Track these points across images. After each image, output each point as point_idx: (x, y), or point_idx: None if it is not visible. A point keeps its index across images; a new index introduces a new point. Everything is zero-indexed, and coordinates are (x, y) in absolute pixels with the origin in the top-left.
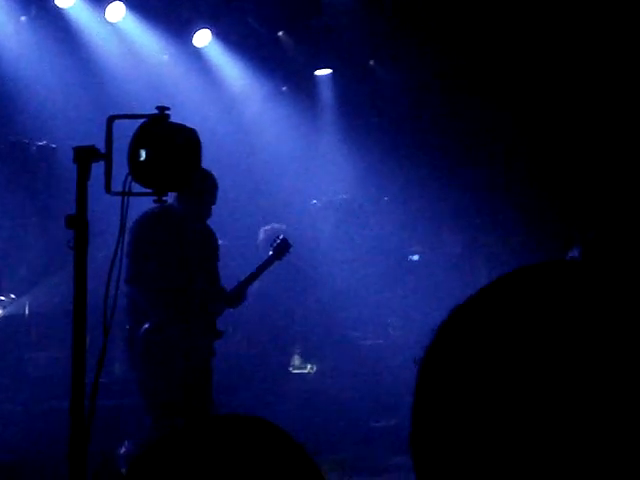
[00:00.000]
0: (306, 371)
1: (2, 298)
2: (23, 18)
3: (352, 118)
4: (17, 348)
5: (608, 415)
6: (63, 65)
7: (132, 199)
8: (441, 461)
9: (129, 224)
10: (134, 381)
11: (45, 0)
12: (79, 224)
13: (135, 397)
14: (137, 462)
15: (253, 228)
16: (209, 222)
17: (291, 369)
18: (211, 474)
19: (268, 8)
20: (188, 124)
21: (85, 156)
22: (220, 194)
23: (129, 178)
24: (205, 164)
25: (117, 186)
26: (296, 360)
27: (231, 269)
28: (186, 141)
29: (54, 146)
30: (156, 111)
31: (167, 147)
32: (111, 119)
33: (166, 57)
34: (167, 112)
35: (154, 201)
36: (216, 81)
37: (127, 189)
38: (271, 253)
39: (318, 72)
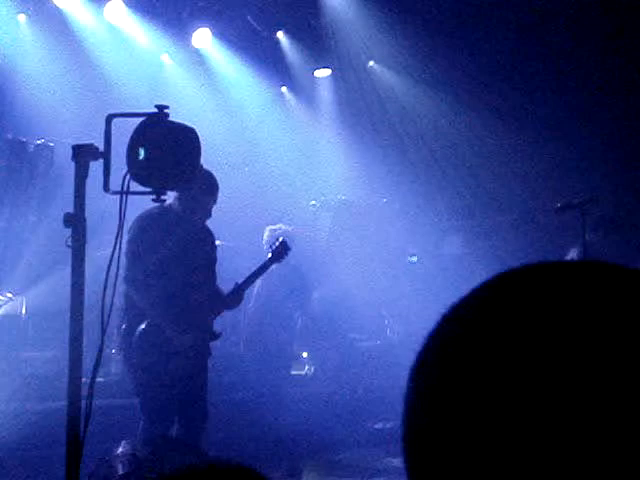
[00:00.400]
0: (303, 373)
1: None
2: (22, 16)
3: (351, 118)
4: (14, 347)
5: (601, 420)
6: (61, 63)
7: (132, 198)
8: (435, 465)
9: (128, 223)
10: (130, 381)
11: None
12: (77, 222)
13: (131, 397)
14: None
15: (251, 228)
16: (209, 222)
17: (289, 370)
18: None
19: (268, 8)
20: (187, 123)
21: (83, 154)
22: (219, 194)
23: (128, 177)
24: (204, 163)
25: (116, 185)
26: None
27: (229, 270)
28: (186, 140)
29: (52, 144)
30: (155, 109)
31: (166, 146)
32: (110, 117)
33: (165, 56)
34: (166, 111)
35: (153, 200)
36: (215, 80)
37: (126, 188)
38: (270, 255)
39: (317, 72)
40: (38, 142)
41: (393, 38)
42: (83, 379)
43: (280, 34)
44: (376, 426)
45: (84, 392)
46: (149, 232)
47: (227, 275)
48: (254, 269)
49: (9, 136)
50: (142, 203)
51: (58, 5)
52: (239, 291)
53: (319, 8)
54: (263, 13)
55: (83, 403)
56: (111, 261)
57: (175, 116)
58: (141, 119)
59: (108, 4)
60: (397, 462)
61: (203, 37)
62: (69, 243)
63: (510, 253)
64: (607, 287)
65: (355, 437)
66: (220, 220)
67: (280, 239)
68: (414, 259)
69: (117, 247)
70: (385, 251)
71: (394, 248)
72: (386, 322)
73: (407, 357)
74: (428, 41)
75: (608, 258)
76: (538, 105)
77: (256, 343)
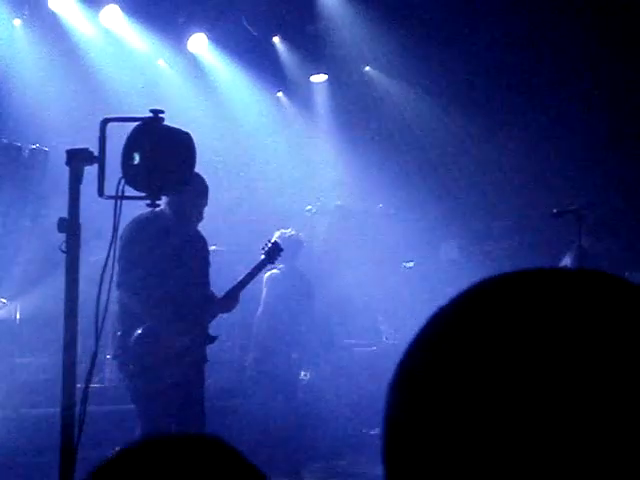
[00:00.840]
0: (300, 377)
1: None
2: (17, 21)
3: (347, 124)
4: (8, 352)
5: (588, 430)
6: (57, 68)
7: (127, 203)
8: (416, 471)
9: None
10: (126, 387)
11: (39, 3)
12: (71, 227)
13: (126, 403)
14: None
15: (247, 233)
16: (202, 225)
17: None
18: None
19: (264, 13)
20: (183, 128)
21: (78, 159)
22: (214, 198)
23: (122, 182)
24: (199, 168)
25: (111, 190)
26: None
27: (223, 274)
28: (181, 145)
29: (46, 149)
30: (150, 114)
31: (161, 150)
32: (104, 122)
33: (161, 61)
34: (161, 115)
35: (147, 205)
36: (211, 85)
37: (120, 193)
38: (263, 257)
39: (313, 78)
40: (33, 147)
41: (389, 43)
42: (78, 385)
43: (276, 39)
44: (372, 432)
45: (78, 398)
46: (142, 237)
47: (221, 280)
48: (248, 271)
49: (4, 141)
50: (132, 209)
51: (54, 10)
52: (234, 294)
53: (315, 13)
54: (259, 18)
55: (77, 409)
56: (105, 266)
57: (170, 121)
58: (136, 124)
59: (104, 9)
60: None
61: (199, 42)
62: (63, 248)
63: (506, 258)
64: (589, 295)
65: (351, 443)
66: (215, 225)
67: (272, 240)
68: (410, 265)
69: (111, 252)
70: (381, 257)
71: (390, 254)
72: (382, 328)
73: None
74: (424, 46)
75: (603, 263)
76: (535, 111)
77: (266, 363)
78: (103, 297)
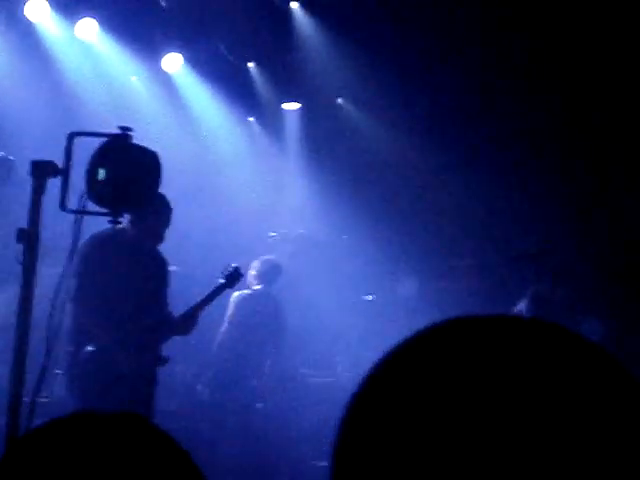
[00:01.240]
0: (255, 405)
1: None
2: None
3: (316, 153)
4: None
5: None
6: (29, 78)
7: (90, 218)
8: None
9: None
10: (74, 404)
11: (15, 12)
12: (30, 239)
13: None
14: (6, 455)
15: (209, 256)
16: (164, 246)
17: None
18: (76, 471)
19: (240, 38)
20: (151, 147)
21: (42, 170)
22: (177, 220)
23: (85, 196)
24: (165, 189)
25: (75, 204)
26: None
27: (183, 296)
28: (146, 163)
29: (12, 158)
30: (119, 131)
31: (126, 168)
32: (72, 135)
33: (135, 78)
34: (130, 133)
35: (109, 222)
36: (183, 106)
37: (82, 207)
38: (222, 281)
39: (286, 105)
40: None
41: (361, 77)
42: (25, 398)
43: (251, 65)
44: (321, 463)
45: (25, 412)
46: (100, 253)
47: (181, 301)
48: (206, 293)
49: None
50: (92, 225)
51: (29, 19)
52: (191, 316)
53: (291, 42)
54: (235, 43)
55: (23, 422)
56: (61, 280)
57: (139, 139)
58: (104, 139)
59: (80, 21)
60: None
61: (174, 62)
62: (20, 259)
63: (464, 299)
64: (539, 347)
65: (300, 474)
66: (177, 246)
67: (233, 265)
68: (370, 298)
69: (68, 267)
70: (341, 287)
71: (351, 285)
72: (337, 359)
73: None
74: (392, 82)
75: (558, 308)
76: (499, 150)
77: (224, 387)
78: (57, 311)
